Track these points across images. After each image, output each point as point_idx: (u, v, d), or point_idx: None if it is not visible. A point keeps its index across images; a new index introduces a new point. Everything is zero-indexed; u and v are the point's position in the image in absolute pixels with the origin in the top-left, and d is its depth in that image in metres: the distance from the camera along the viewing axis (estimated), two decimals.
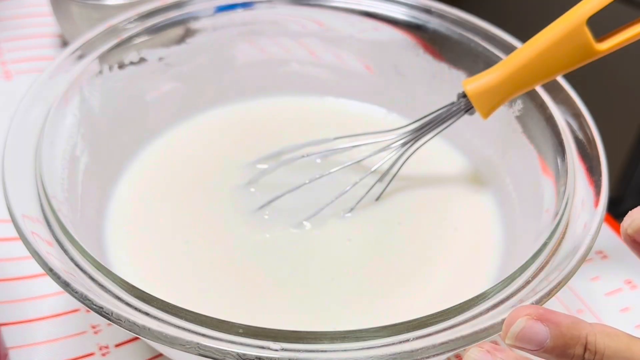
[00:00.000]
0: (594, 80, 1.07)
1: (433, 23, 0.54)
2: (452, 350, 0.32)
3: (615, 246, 0.53)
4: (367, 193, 0.49)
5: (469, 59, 0.53)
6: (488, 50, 0.51)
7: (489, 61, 0.51)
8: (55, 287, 0.35)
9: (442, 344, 0.32)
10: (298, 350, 0.31)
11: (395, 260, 0.47)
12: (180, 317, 0.33)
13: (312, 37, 0.58)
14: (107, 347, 0.44)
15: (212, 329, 0.33)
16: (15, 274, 0.48)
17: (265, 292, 0.44)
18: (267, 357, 0.31)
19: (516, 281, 0.36)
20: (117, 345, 0.45)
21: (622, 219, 0.34)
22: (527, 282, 0.36)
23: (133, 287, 0.35)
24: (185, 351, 0.32)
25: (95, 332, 0.45)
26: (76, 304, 0.43)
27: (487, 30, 0.52)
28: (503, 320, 0.31)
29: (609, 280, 0.51)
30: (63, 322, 0.46)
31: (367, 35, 0.57)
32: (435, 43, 0.54)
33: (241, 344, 0.32)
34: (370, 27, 0.56)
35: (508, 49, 0.51)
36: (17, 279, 0.48)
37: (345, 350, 0.31)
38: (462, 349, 0.32)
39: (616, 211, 0.56)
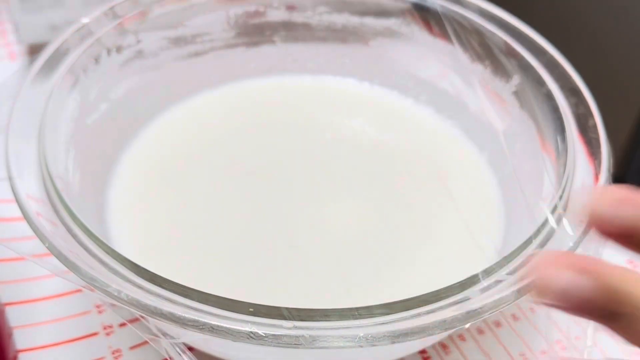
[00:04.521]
0: (594, 58, 1.06)
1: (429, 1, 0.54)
2: (463, 324, 0.32)
3: None
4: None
5: (463, 34, 0.53)
6: (482, 26, 0.51)
7: (483, 37, 0.51)
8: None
9: (453, 318, 0.32)
10: (310, 328, 0.32)
11: (397, 238, 0.47)
12: (191, 298, 0.33)
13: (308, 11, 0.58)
14: (111, 327, 0.45)
15: (222, 309, 0.33)
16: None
17: (269, 269, 0.45)
18: (279, 335, 0.31)
19: (521, 256, 0.36)
20: (120, 325, 0.45)
21: None
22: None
23: (142, 268, 0.35)
24: (197, 332, 0.32)
25: (100, 312, 0.45)
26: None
27: (480, 6, 0.53)
28: (514, 292, 0.32)
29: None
30: (68, 301, 0.46)
31: (362, 12, 0.57)
32: (430, 19, 0.54)
33: (252, 322, 0.32)
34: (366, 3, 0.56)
35: (503, 26, 0.51)
36: (21, 259, 0.48)
37: (357, 327, 0.32)
38: (472, 322, 0.33)
39: None
